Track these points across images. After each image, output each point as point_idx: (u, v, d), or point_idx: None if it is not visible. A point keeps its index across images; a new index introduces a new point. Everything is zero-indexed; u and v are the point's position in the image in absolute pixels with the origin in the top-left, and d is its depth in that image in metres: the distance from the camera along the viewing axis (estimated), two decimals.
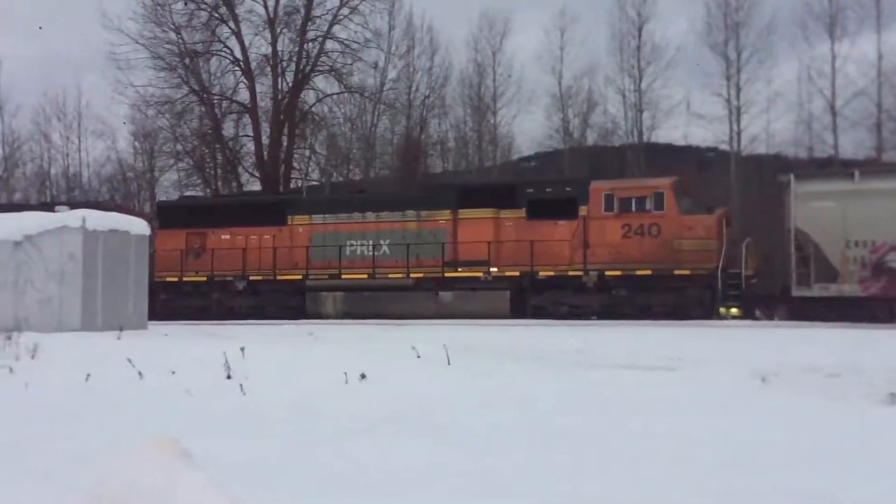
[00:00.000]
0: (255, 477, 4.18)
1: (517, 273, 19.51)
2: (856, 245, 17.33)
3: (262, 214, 22.19)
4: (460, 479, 3.98)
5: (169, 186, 38.41)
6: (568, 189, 19.87)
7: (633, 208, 18.89)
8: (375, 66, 36.07)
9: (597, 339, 11.39)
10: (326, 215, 21.58)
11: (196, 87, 35.69)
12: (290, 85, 35.50)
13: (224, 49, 35.69)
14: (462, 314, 19.04)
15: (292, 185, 35.41)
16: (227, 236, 22.30)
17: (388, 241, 20.62)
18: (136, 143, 40.62)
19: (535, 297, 19.39)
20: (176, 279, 22.32)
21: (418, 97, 36.99)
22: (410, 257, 20.29)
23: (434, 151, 38.19)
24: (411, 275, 20.25)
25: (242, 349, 8.83)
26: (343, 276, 20.63)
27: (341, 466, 4.47)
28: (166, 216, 23.62)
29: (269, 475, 4.28)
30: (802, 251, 17.59)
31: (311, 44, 35.43)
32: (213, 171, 38.06)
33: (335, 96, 36.13)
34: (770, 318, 17.49)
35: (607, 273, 18.98)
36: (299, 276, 21.14)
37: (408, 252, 20.24)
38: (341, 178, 36.30)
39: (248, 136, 36.57)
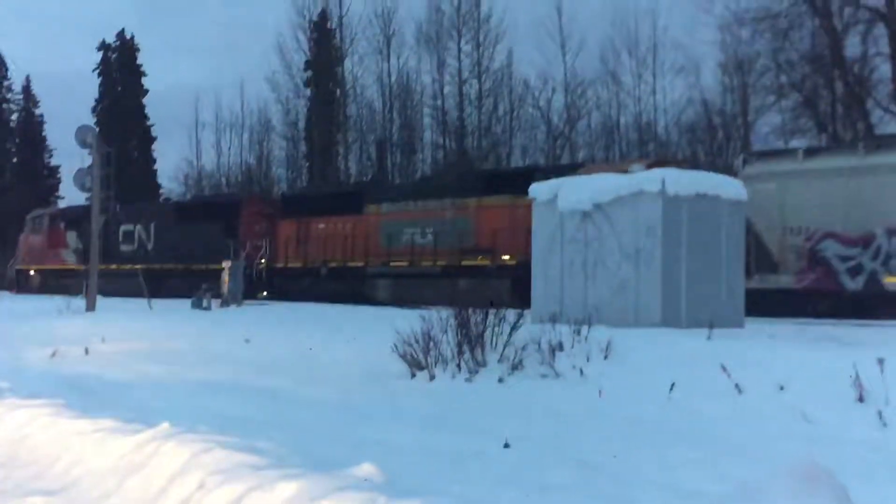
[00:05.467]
0: None
1: (515, 262, 24.86)
2: (792, 232, 21.01)
3: (344, 203, 30.76)
4: None
5: (769, 133, 39.15)
6: (569, 174, 24.20)
7: None
8: None
9: None
10: (391, 203, 29.25)
11: None
12: None
13: None
14: (473, 301, 21.81)
15: None
16: (323, 225, 31.27)
17: (431, 230, 27.68)
18: (726, 78, 42.42)
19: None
20: (283, 265, 32.29)
21: None
22: (442, 245, 27.23)
23: None
24: (437, 263, 27.27)
25: (881, 361, 8.50)
26: (391, 264, 28.63)
27: None
28: (287, 206, 33.51)
29: None
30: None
31: None
32: (829, 109, 37.47)
33: None
34: None
35: None
36: (361, 264, 29.62)
37: (436, 240, 27.34)
38: None
39: (882, 54, 34.90)
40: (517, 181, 26.29)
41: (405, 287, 28.37)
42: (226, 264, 29.14)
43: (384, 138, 52.17)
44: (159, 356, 13.85)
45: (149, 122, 63.57)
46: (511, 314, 12.15)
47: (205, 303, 26.05)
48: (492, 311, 12.11)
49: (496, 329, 11.92)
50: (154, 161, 64.28)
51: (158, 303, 25.98)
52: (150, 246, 37.48)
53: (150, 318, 20.17)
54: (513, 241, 25.38)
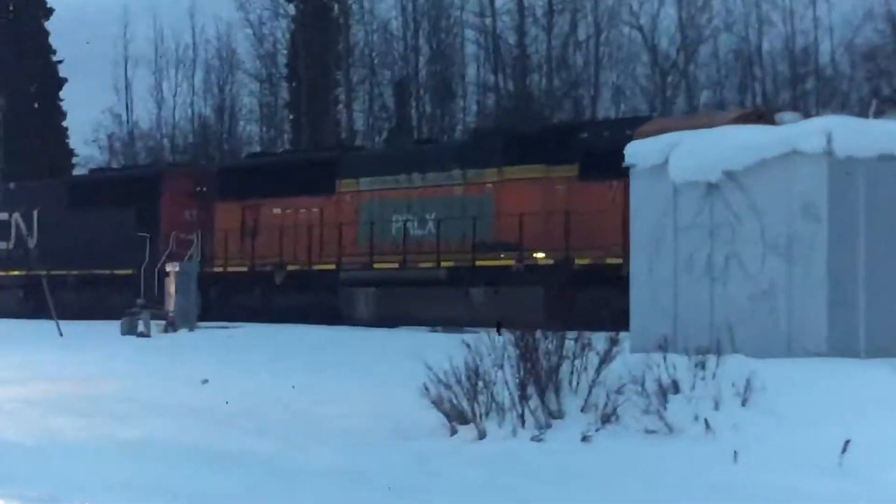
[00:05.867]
0: None
1: (551, 261, 26.58)
2: None
3: (309, 177, 32.23)
4: None
5: None
6: (628, 132, 24.50)
7: None
8: None
9: None
10: (374, 179, 30.87)
11: None
12: None
13: None
14: (492, 320, 24.90)
15: None
16: (279, 209, 32.73)
17: (432, 215, 29.11)
18: None
19: (580, 296, 25.67)
20: (221, 269, 33.29)
21: None
22: (448, 238, 28.43)
23: None
24: (441, 263, 28.41)
25: None
26: (375, 266, 29.91)
27: None
28: (226, 183, 34.69)
29: None
30: None
31: None
32: None
33: None
34: None
35: None
36: (333, 267, 30.92)
37: (439, 231, 28.66)
38: None
39: None
40: (554, 143, 27.37)
41: (395, 299, 29.36)
42: (171, 268, 29.37)
43: (406, 77, 51.99)
44: (76, 405, 13.82)
45: (55, 58, 62.52)
46: (600, 339, 12.20)
47: (141, 326, 26.22)
48: (570, 335, 12.23)
49: (577, 362, 11.98)
50: (63, 115, 62.94)
51: (65, 326, 26.17)
52: (31, 243, 37.85)
53: (62, 348, 20.27)
54: (548, 230, 26.31)
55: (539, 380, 11.84)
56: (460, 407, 11.81)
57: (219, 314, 31.71)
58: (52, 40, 62.56)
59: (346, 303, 30.43)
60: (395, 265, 29.27)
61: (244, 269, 32.86)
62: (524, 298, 26.05)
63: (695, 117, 29.69)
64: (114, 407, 13.77)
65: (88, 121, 63.01)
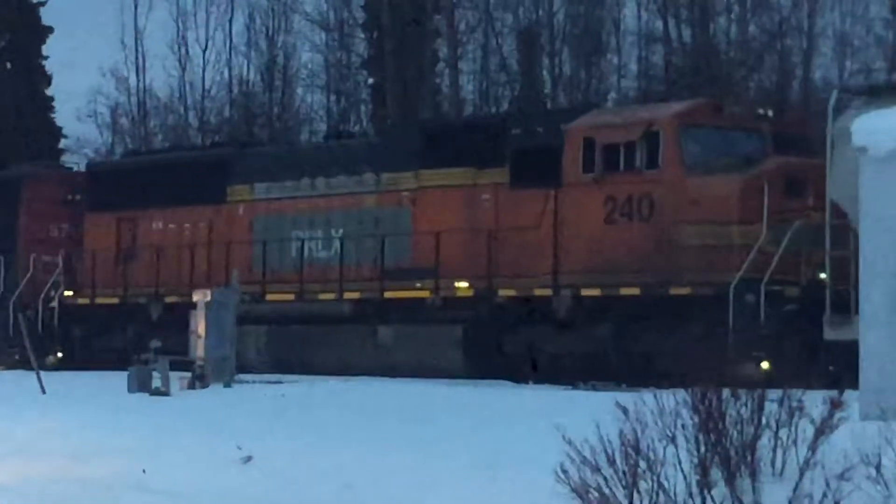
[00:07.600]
0: None
1: (471, 292, 28.62)
2: None
3: (196, 183, 33.12)
4: None
5: None
6: (563, 127, 28.29)
7: (622, 165, 27.38)
8: None
9: None
10: (271, 184, 32.33)
11: None
12: None
13: None
14: (404, 366, 28.64)
15: None
16: (160, 223, 33.80)
17: (338, 232, 30.98)
18: None
19: (506, 337, 28.51)
20: (87, 301, 34.53)
21: None
22: (355, 261, 30.50)
23: None
24: (345, 295, 30.40)
25: None
26: (268, 297, 31.66)
27: None
28: (98, 188, 34.76)
29: None
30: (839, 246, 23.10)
31: None
32: None
33: None
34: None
35: (583, 292, 27.90)
36: None
37: (343, 253, 30.67)
38: None
39: None
40: (482, 140, 29.07)
41: (290, 340, 30.51)
42: (199, 297, 28.55)
43: (536, 24, 51.31)
44: (66, 495, 13.75)
45: None
46: (815, 400, 11.78)
47: (158, 379, 25.66)
48: (772, 394, 11.89)
49: (783, 433, 11.73)
50: (47, 79, 60.14)
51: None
52: None
53: (45, 411, 20.80)
54: (471, 252, 28.00)
55: (727, 459, 11.25)
56: (614, 498, 11.04)
57: (82, 360, 32.49)
58: None
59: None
60: (291, 297, 30.56)
61: (115, 300, 33.52)
62: (441, 340, 28.21)
63: (632, 109, 32.07)
64: (120, 497, 13.52)
65: (84, 87, 60.37)
